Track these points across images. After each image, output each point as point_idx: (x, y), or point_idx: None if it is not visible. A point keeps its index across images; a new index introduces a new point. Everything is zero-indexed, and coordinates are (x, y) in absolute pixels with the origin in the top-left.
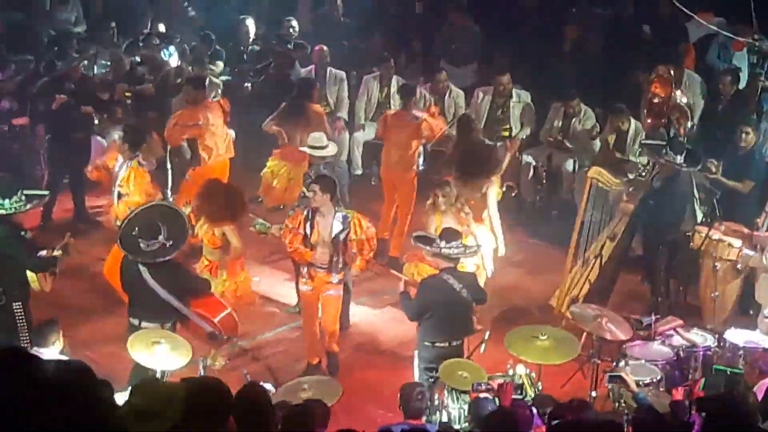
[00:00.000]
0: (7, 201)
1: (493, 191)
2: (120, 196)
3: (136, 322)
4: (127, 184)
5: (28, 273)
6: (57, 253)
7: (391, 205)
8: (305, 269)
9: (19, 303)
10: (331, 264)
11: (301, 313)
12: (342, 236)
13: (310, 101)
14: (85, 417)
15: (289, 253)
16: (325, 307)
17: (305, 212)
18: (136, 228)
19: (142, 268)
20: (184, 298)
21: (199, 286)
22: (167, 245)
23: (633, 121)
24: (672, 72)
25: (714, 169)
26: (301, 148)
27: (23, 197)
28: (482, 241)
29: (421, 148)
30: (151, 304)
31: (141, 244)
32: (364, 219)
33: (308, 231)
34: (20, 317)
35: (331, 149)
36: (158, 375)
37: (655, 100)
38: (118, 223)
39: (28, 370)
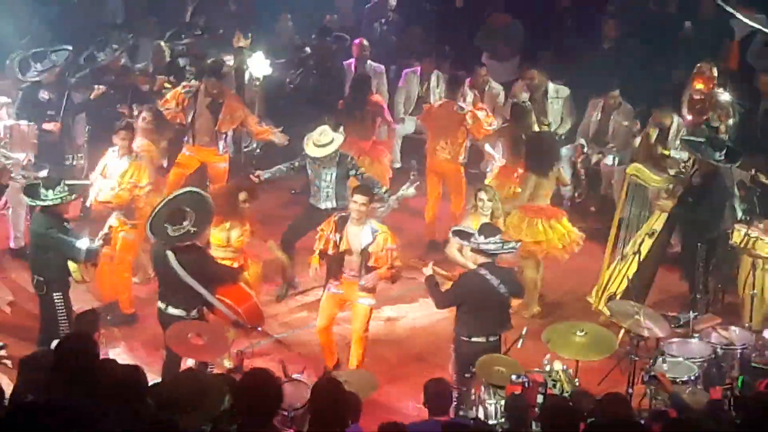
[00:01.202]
0: (50, 192)
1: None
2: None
3: (163, 306)
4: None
5: (69, 263)
6: (98, 244)
7: (434, 200)
8: (336, 272)
9: (60, 293)
10: (360, 272)
11: (319, 313)
12: (370, 248)
13: (368, 94)
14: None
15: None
16: (355, 315)
17: (338, 217)
18: (166, 213)
19: (169, 253)
20: (209, 285)
21: (226, 274)
22: (191, 231)
23: (675, 117)
24: (714, 69)
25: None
26: (305, 147)
27: (66, 188)
28: None
29: (467, 143)
30: (176, 289)
31: (168, 230)
32: (392, 238)
33: (338, 238)
34: (60, 307)
35: (332, 147)
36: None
37: (697, 97)
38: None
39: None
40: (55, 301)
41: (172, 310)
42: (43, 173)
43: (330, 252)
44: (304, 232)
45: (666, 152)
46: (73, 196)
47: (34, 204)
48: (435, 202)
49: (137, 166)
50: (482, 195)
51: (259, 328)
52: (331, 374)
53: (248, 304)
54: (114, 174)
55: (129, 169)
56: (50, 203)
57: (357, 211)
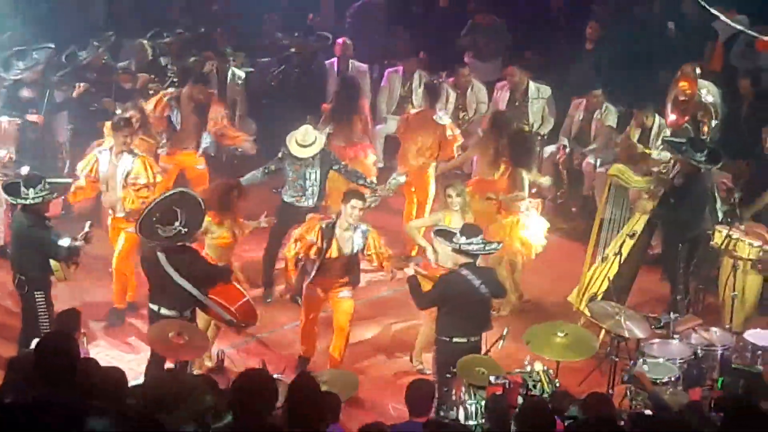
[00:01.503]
0: (31, 190)
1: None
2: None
3: (155, 308)
4: (146, 173)
5: (51, 262)
6: (79, 242)
7: (410, 204)
8: (314, 275)
9: (42, 292)
10: (345, 274)
11: (303, 310)
12: (359, 250)
13: (358, 99)
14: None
15: (286, 258)
16: (337, 308)
17: (324, 224)
18: (157, 214)
19: (160, 254)
20: (201, 286)
21: (217, 274)
22: (182, 231)
23: (657, 117)
24: (698, 70)
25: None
26: (290, 147)
27: (47, 186)
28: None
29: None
30: (169, 290)
31: (159, 230)
32: (379, 238)
33: (324, 246)
34: (41, 306)
35: (310, 150)
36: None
37: (681, 98)
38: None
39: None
40: (37, 299)
41: (165, 312)
42: (24, 170)
43: (312, 257)
44: (286, 234)
45: (648, 152)
46: (54, 195)
47: (14, 202)
48: (411, 207)
49: (145, 163)
50: (450, 191)
51: (252, 325)
52: (309, 373)
53: (241, 302)
54: (116, 175)
55: (136, 168)
56: (31, 202)
57: (352, 216)
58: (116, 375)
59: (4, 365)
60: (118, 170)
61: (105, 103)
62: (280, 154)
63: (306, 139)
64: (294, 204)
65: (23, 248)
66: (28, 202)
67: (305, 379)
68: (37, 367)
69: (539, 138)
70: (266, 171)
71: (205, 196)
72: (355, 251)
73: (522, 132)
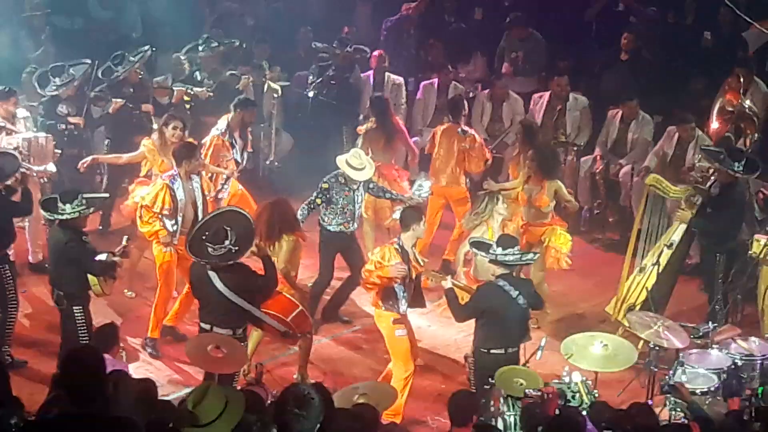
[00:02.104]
0: (68, 206)
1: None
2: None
3: (207, 327)
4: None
5: (89, 277)
6: (117, 257)
7: (431, 224)
8: (400, 311)
9: (80, 307)
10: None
11: (406, 357)
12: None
13: (390, 117)
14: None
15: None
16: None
17: (397, 247)
18: (206, 233)
19: (211, 273)
20: (256, 301)
21: (269, 287)
22: (233, 250)
23: (695, 127)
24: (742, 79)
25: None
26: (348, 173)
27: (84, 201)
28: None
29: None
30: (222, 309)
31: (209, 249)
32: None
33: (407, 269)
34: (81, 321)
35: (368, 172)
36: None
37: (729, 108)
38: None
39: (100, 370)
40: (75, 314)
41: (218, 330)
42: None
43: (397, 282)
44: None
45: (683, 164)
46: (91, 210)
47: (51, 218)
48: (432, 226)
49: (208, 183)
50: (491, 204)
51: (309, 335)
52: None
53: (296, 312)
54: (196, 198)
55: (204, 188)
56: (67, 217)
57: (417, 234)
58: (146, 388)
59: (47, 380)
60: (197, 193)
61: (144, 108)
62: (324, 185)
63: (361, 162)
64: (342, 231)
65: (61, 263)
66: (64, 217)
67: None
68: (62, 383)
69: (575, 149)
70: (312, 207)
71: (273, 212)
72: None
73: (547, 146)
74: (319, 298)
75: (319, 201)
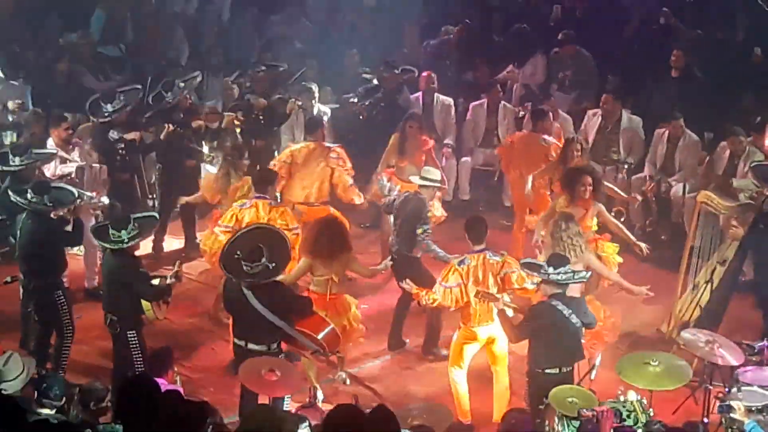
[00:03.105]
0: (123, 232)
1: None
2: None
3: (242, 343)
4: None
5: (142, 302)
6: (170, 281)
7: (520, 232)
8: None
9: (134, 332)
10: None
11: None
12: None
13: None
14: None
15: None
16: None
17: (457, 263)
18: (238, 251)
19: (246, 291)
20: (288, 318)
21: (303, 305)
22: (270, 267)
23: (746, 143)
24: None
25: None
26: (412, 179)
27: (136, 227)
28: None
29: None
30: (256, 325)
31: (244, 267)
32: None
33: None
34: (135, 346)
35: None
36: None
37: None
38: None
39: (155, 398)
40: (129, 339)
41: (252, 347)
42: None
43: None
44: None
45: (735, 180)
46: (145, 236)
47: (104, 246)
48: (521, 234)
49: (282, 212)
50: (558, 223)
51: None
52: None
53: (327, 331)
54: None
55: (278, 216)
56: (123, 246)
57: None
58: (197, 409)
59: None
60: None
61: (195, 125)
62: (391, 197)
63: (435, 173)
64: (407, 254)
65: (114, 288)
66: (118, 246)
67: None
68: (118, 411)
69: (626, 167)
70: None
71: (339, 228)
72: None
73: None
74: (403, 317)
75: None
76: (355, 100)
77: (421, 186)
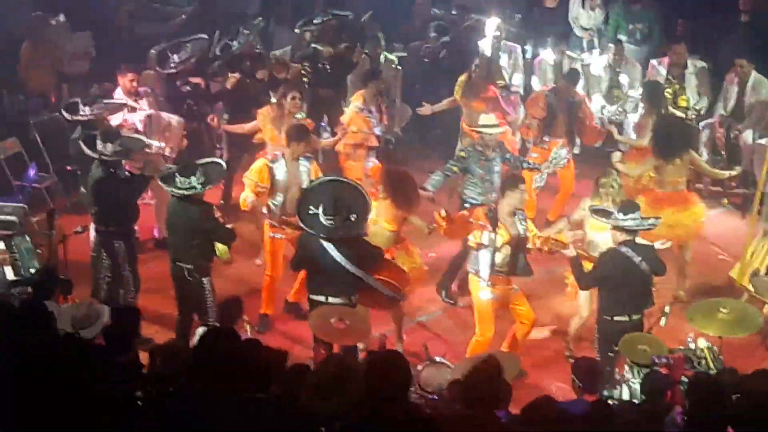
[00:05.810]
0: (193, 178)
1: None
2: None
3: (322, 298)
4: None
5: (218, 247)
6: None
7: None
8: (481, 276)
9: (208, 278)
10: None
11: (486, 324)
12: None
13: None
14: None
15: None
16: (521, 300)
17: (487, 210)
18: (311, 206)
19: (327, 245)
20: (365, 268)
21: (379, 254)
22: (351, 219)
23: None
24: None
25: None
26: (487, 132)
27: (203, 175)
28: None
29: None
30: (337, 279)
31: (324, 221)
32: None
33: (494, 236)
34: (209, 293)
35: (500, 129)
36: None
37: None
38: None
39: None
40: (205, 287)
41: (333, 300)
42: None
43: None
44: None
45: None
46: (212, 183)
47: (176, 193)
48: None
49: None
50: (603, 180)
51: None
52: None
53: (401, 274)
54: (301, 181)
55: (313, 172)
56: (195, 191)
57: (521, 201)
58: (278, 358)
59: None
60: (303, 176)
61: (259, 73)
62: (461, 153)
63: (491, 119)
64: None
65: (192, 237)
66: (189, 194)
67: (489, 363)
68: (197, 363)
69: (696, 114)
70: (448, 174)
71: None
72: (522, 234)
73: (666, 118)
74: (455, 270)
75: (455, 169)
76: (427, 46)
77: (479, 133)
